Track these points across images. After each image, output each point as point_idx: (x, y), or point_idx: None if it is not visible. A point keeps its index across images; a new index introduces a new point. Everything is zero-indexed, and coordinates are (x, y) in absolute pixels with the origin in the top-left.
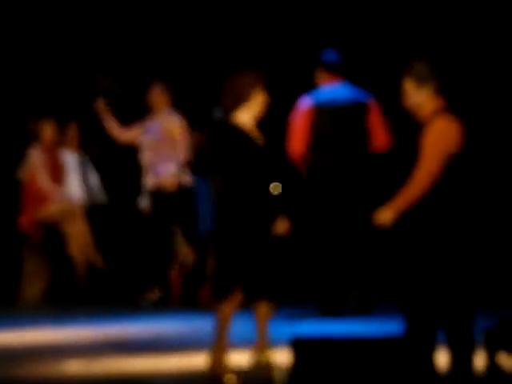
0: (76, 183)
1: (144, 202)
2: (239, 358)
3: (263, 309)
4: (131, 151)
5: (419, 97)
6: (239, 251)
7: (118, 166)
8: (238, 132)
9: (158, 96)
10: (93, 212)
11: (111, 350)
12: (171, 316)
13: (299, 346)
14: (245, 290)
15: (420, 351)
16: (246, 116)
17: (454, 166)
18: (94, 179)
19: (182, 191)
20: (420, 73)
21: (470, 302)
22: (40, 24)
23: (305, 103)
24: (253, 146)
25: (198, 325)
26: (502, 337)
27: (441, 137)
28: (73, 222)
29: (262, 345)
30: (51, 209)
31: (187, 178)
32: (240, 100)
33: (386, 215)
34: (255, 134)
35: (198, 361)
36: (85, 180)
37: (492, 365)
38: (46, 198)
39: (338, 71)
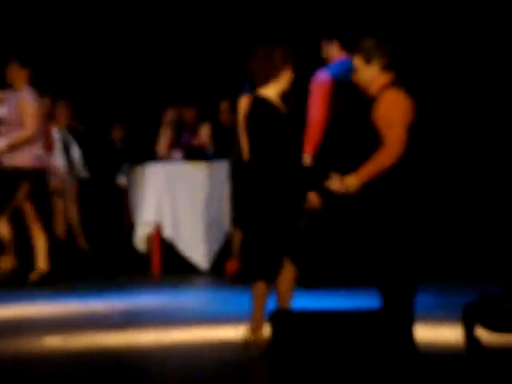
0: (61, 158)
1: (122, 178)
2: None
3: (262, 286)
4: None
5: (368, 72)
6: (270, 226)
7: (101, 144)
8: (270, 105)
9: (15, 72)
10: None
11: (90, 325)
12: (151, 291)
13: (277, 319)
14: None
15: (396, 324)
16: (274, 91)
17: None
18: (77, 156)
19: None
20: (368, 50)
21: (410, 274)
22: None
23: (324, 76)
24: (284, 120)
25: (179, 300)
26: (479, 312)
27: (396, 106)
28: (62, 198)
29: (260, 322)
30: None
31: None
32: (271, 76)
33: (352, 182)
34: (283, 108)
35: (176, 335)
36: (68, 156)
37: (470, 338)
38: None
39: (352, 47)
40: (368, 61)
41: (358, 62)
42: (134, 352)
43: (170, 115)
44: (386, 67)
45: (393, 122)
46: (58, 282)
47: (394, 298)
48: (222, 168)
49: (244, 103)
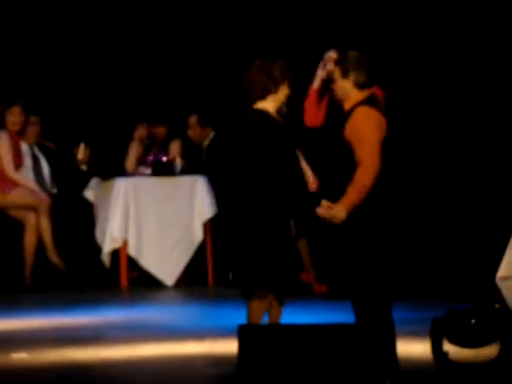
0: (31, 174)
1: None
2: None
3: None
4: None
5: (343, 86)
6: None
7: (68, 160)
8: (270, 118)
9: None
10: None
11: (58, 339)
12: (119, 306)
13: (245, 332)
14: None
15: (368, 338)
16: (271, 105)
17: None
18: (46, 172)
19: None
20: (346, 64)
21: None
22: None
23: None
24: (285, 133)
25: (146, 315)
26: (447, 327)
27: (368, 123)
28: (36, 214)
29: None
30: (14, 196)
31: None
32: (269, 91)
33: (339, 210)
34: (280, 121)
35: (144, 350)
36: (38, 172)
37: (438, 353)
38: (10, 183)
39: None
40: (345, 75)
41: (336, 74)
42: (101, 367)
43: (139, 132)
44: (362, 85)
45: (365, 138)
46: (26, 297)
47: (368, 313)
48: (190, 183)
49: None
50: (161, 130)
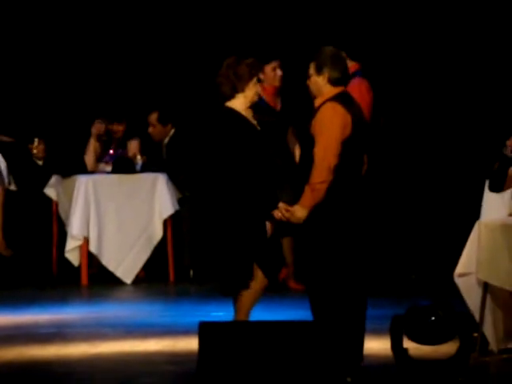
0: None
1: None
2: None
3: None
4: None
5: (317, 82)
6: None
7: (28, 155)
8: (238, 116)
9: None
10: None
11: (17, 337)
12: (79, 303)
13: (205, 330)
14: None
15: (330, 335)
16: (240, 104)
17: (343, 152)
18: (3, 167)
19: None
20: (320, 60)
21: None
22: None
23: (362, 81)
24: (253, 130)
25: (107, 312)
26: (406, 324)
27: (330, 120)
28: None
29: None
30: None
31: None
32: (235, 90)
33: (298, 211)
34: (252, 119)
35: (104, 347)
36: None
37: (398, 349)
38: None
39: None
40: (319, 71)
41: (311, 69)
42: (61, 364)
43: (97, 127)
44: (336, 81)
45: (323, 134)
46: None
47: (324, 309)
48: (151, 180)
49: None
50: (119, 128)
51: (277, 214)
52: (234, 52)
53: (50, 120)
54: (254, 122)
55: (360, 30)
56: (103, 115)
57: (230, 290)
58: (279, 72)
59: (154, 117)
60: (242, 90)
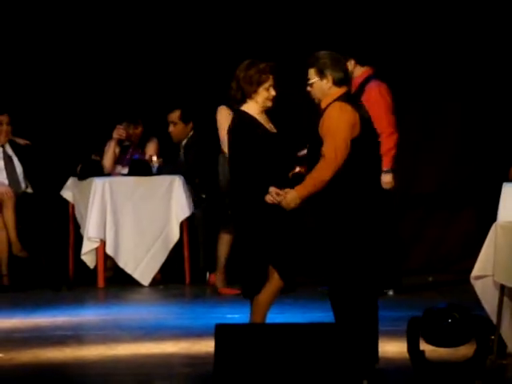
0: (2, 173)
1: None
2: None
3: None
4: (60, 143)
5: (321, 86)
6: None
7: (44, 158)
8: (250, 120)
9: None
10: (18, 202)
11: (33, 339)
12: (96, 305)
13: (221, 332)
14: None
15: (346, 337)
16: (253, 108)
17: (352, 151)
18: (19, 171)
19: None
20: (320, 64)
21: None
22: None
23: (380, 84)
24: (265, 134)
25: (123, 314)
26: (422, 326)
27: (339, 119)
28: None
29: None
30: None
31: None
32: (247, 94)
33: (292, 197)
34: (266, 123)
35: (120, 349)
36: (11, 171)
37: (414, 352)
38: None
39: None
40: (321, 75)
41: (311, 75)
42: (78, 366)
43: (118, 133)
44: (340, 81)
45: (332, 133)
46: (3, 296)
47: (346, 311)
48: (167, 182)
49: (225, 115)
50: (136, 131)
51: (268, 198)
52: (257, 51)
53: (66, 122)
54: (269, 126)
55: (363, 35)
56: (122, 117)
57: (247, 292)
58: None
59: (176, 114)
60: (250, 96)
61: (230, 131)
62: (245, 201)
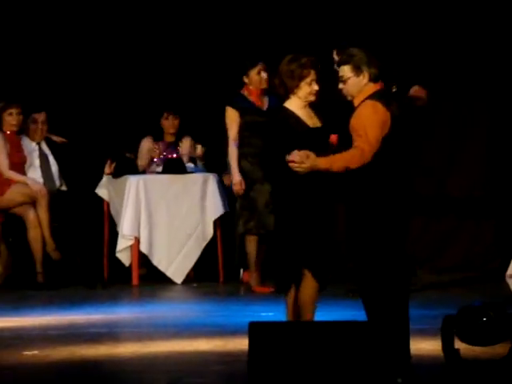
0: (37, 171)
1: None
2: None
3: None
4: (93, 140)
5: (357, 83)
6: (306, 233)
7: (79, 155)
8: (291, 117)
9: None
10: (53, 200)
11: (69, 337)
12: (130, 302)
13: (255, 329)
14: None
15: (380, 336)
16: (296, 104)
17: (382, 149)
18: (55, 169)
19: None
20: (356, 61)
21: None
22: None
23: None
24: (307, 130)
25: (158, 311)
26: (457, 324)
27: (371, 117)
28: (34, 209)
29: None
30: (11, 194)
31: None
32: (289, 90)
33: (315, 164)
34: (309, 118)
35: (155, 347)
36: (46, 169)
37: (449, 350)
38: (5, 183)
39: None
40: (358, 72)
41: (346, 72)
42: (112, 364)
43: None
44: (376, 78)
45: (364, 130)
46: (38, 294)
47: (380, 310)
48: (202, 180)
49: (233, 115)
50: (175, 122)
51: (292, 155)
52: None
53: (100, 120)
54: (312, 122)
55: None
56: (159, 113)
57: (280, 288)
58: (264, 75)
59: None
60: (293, 91)
61: (270, 129)
62: (281, 199)
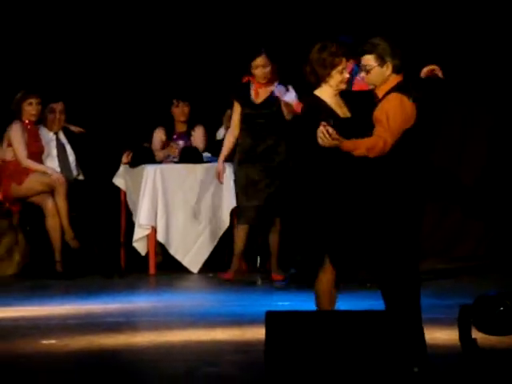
0: (55, 161)
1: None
2: None
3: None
4: (111, 130)
5: (381, 74)
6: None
7: (97, 145)
8: (321, 105)
9: None
10: (70, 189)
11: (87, 326)
12: (147, 292)
13: (272, 319)
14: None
15: (397, 325)
16: (326, 92)
17: (403, 141)
18: (72, 159)
19: None
20: (380, 51)
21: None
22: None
23: None
24: (336, 119)
25: (175, 301)
26: (474, 314)
27: (395, 110)
28: (52, 198)
29: None
30: (29, 183)
31: None
32: (321, 78)
33: (337, 143)
34: (339, 107)
35: (172, 336)
36: (63, 158)
37: (466, 339)
38: (23, 172)
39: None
40: (382, 62)
41: (370, 61)
42: (130, 353)
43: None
44: (400, 68)
45: (388, 121)
46: (56, 283)
47: (398, 299)
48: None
49: (235, 105)
50: (185, 109)
51: (323, 128)
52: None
53: (118, 110)
54: (342, 111)
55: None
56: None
57: (302, 278)
58: (263, 70)
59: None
60: (324, 79)
61: (299, 117)
62: (307, 187)
